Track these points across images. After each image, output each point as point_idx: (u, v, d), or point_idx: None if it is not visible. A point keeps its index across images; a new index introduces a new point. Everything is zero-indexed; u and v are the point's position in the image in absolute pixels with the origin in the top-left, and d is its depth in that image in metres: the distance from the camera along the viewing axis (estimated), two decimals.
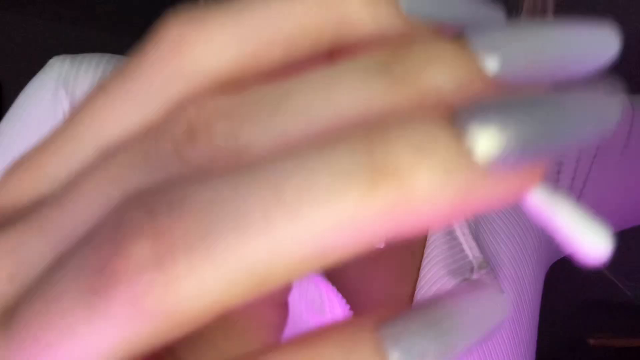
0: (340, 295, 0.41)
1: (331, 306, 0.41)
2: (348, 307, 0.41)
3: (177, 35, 0.12)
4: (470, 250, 0.44)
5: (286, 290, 0.16)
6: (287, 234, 0.09)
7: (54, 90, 0.41)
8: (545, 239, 0.50)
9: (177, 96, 0.12)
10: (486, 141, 0.10)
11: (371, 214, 0.10)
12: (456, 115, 0.10)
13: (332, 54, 0.12)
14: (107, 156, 0.11)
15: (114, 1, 2.46)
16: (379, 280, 0.44)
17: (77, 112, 0.12)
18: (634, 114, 0.49)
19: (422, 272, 0.44)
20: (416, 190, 0.10)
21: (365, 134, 0.10)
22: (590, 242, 0.11)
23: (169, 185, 0.10)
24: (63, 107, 0.40)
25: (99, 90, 0.12)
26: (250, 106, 0.11)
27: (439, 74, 0.11)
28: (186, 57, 0.12)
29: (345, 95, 0.10)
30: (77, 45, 2.67)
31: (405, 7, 0.12)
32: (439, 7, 0.12)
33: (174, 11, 0.12)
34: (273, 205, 0.09)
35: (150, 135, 0.11)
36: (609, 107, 0.10)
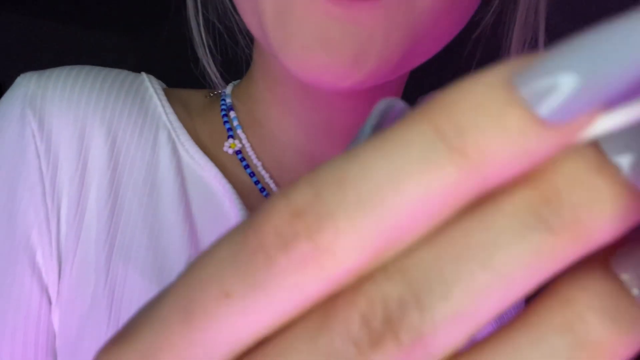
0: None
1: None
2: None
3: (310, 245, 0.11)
4: None
5: None
6: None
7: (21, 112, 0.39)
8: None
9: (317, 294, 0.11)
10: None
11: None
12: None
13: None
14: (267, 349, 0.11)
15: (115, 2, 2.46)
16: None
17: (200, 313, 0.11)
18: None
19: None
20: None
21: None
22: None
23: None
24: (32, 128, 0.38)
25: (221, 295, 0.11)
26: (419, 289, 0.11)
27: (597, 217, 0.11)
28: (321, 264, 0.11)
29: (506, 260, 0.11)
30: (77, 45, 2.66)
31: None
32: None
33: (274, 210, 0.11)
34: None
35: (324, 334, 0.11)
36: None
